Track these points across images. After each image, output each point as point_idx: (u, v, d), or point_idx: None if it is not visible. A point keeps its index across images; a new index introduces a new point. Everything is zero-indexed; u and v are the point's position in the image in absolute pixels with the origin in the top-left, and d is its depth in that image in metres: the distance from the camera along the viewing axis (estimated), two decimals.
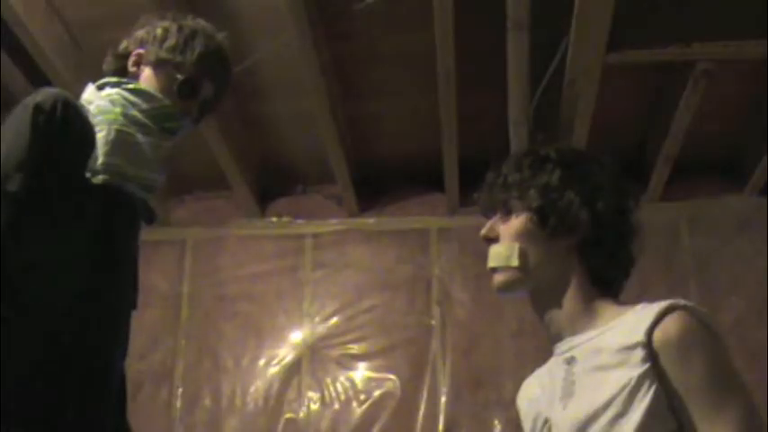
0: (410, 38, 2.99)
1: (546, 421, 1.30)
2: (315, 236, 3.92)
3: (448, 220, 3.88)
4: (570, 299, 1.32)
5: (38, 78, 3.00)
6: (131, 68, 1.70)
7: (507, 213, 1.38)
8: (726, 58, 2.80)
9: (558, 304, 1.33)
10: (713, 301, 3.54)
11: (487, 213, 1.43)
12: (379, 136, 3.67)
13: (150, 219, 1.68)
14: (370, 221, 3.95)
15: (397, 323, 3.76)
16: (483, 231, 1.40)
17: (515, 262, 1.33)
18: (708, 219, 3.78)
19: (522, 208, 1.36)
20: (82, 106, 1.60)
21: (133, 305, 1.66)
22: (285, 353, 3.74)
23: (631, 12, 2.59)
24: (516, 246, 1.34)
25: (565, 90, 2.92)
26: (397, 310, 3.78)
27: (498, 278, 1.37)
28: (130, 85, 1.65)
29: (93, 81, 1.72)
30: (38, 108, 1.50)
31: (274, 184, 3.97)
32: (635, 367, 1.18)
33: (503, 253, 1.35)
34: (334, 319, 3.79)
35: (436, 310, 3.76)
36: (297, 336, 3.77)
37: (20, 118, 1.51)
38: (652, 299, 1.32)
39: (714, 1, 2.67)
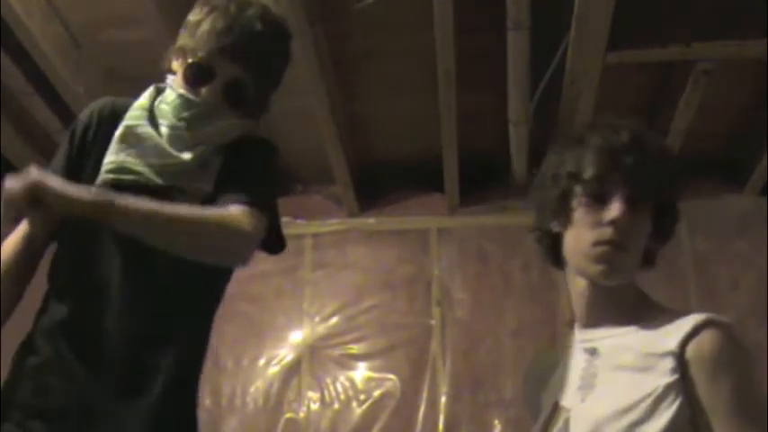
0: (410, 38, 2.98)
1: (556, 405, 1.30)
2: (315, 236, 3.93)
3: (448, 220, 3.87)
4: (624, 293, 1.29)
5: (38, 78, 3.00)
6: (174, 63, 1.63)
7: (638, 201, 1.26)
8: (726, 58, 2.81)
9: (615, 297, 1.29)
10: (713, 301, 3.54)
11: (617, 192, 1.26)
12: (379, 136, 3.67)
13: (195, 202, 1.51)
14: (370, 221, 3.95)
15: (397, 323, 3.75)
16: (619, 213, 1.24)
17: (635, 262, 1.29)
18: (708, 219, 3.78)
19: (652, 205, 1.27)
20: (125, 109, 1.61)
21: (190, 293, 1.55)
22: (285, 353, 3.74)
23: (631, 12, 2.59)
24: (641, 246, 1.28)
25: (565, 90, 2.92)
26: (397, 310, 3.78)
27: (610, 273, 1.26)
28: (168, 79, 1.63)
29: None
30: (76, 122, 1.58)
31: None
32: (663, 376, 1.17)
33: (631, 250, 1.27)
34: (334, 319, 3.79)
35: (436, 310, 3.76)
36: (297, 336, 3.77)
37: (64, 135, 1.60)
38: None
39: (714, 1, 2.67)
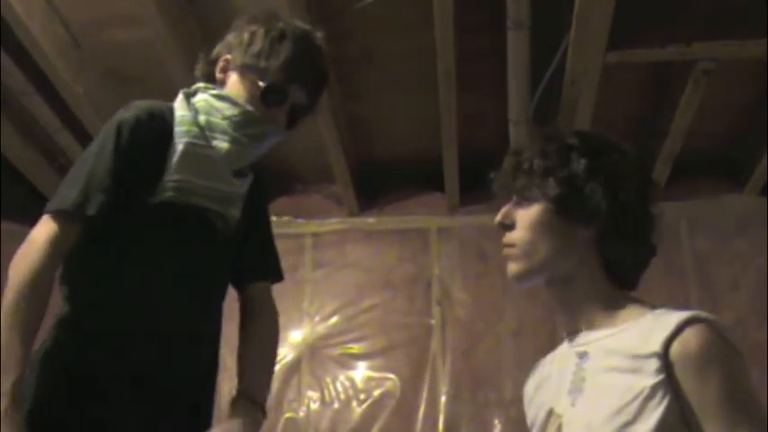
0: (410, 38, 2.99)
1: (550, 411, 1.29)
2: (315, 235, 3.93)
3: (448, 220, 3.88)
4: (589, 292, 1.30)
5: (38, 78, 3.00)
6: (218, 74, 1.66)
7: (525, 201, 1.34)
8: (726, 58, 2.81)
9: (576, 297, 1.31)
10: (713, 301, 3.54)
11: (502, 198, 1.38)
12: (379, 136, 3.67)
13: (228, 229, 1.62)
14: (370, 221, 3.95)
15: (397, 323, 3.76)
16: (498, 218, 1.35)
17: (532, 253, 1.31)
18: (708, 219, 3.78)
19: (541, 196, 1.32)
20: (167, 115, 1.60)
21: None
22: (285, 352, 3.74)
23: (631, 12, 2.59)
24: (533, 237, 1.32)
25: (565, 90, 2.93)
26: (397, 310, 3.78)
27: (513, 268, 1.33)
28: (215, 92, 1.63)
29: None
30: (121, 124, 1.54)
31: (275, 183, 3.97)
32: (649, 377, 1.17)
33: (519, 243, 1.33)
34: (334, 319, 3.79)
35: (436, 310, 3.76)
36: (297, 335, 3.77)
37: (104, 135, 1.54)
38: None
39: (714, 1, 2.67)
